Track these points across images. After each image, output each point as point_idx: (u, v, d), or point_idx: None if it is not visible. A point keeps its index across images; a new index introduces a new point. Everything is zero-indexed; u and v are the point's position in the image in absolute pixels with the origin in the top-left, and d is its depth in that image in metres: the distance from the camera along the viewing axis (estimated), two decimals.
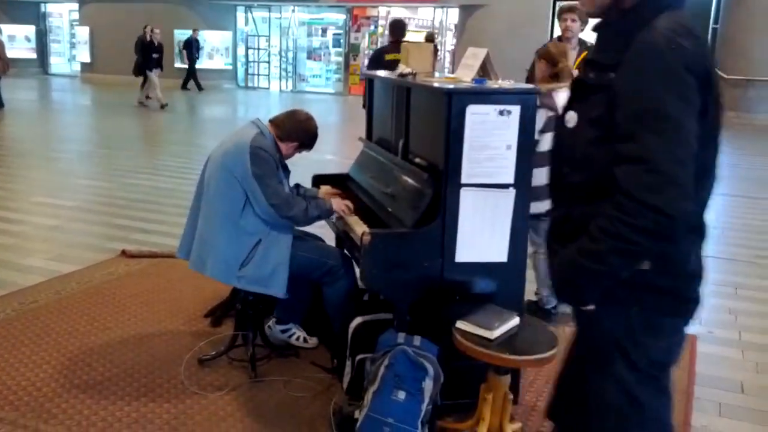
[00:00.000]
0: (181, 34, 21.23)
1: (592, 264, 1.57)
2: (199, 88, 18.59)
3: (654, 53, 1.49)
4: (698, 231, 1.66)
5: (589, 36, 5.46)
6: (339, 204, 3.30)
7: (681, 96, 1.47)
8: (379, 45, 17.03)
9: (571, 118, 1.68)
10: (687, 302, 1.67)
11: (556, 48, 3.89)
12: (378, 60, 6.85)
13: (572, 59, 5.01)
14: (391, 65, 5.72)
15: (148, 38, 15.09)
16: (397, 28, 6.98)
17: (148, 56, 14.89)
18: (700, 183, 1.54)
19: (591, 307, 1.67)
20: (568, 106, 1.74)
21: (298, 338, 3.51)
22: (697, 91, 1.49)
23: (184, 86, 18.82)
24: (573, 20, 4.90)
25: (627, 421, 1.74)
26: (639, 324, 1.65)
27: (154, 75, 14.81)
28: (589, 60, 1.69)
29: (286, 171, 3.32)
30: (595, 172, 1.60)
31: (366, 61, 13.60)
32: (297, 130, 3.28)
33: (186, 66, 18.97)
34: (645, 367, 1.70)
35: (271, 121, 3.29)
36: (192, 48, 18.59)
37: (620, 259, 1.54)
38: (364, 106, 8.02)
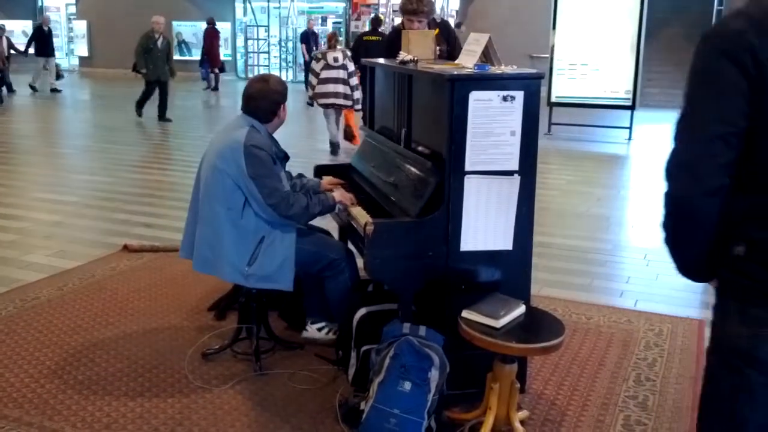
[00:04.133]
0: (180, 26, 21.16)
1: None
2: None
3: None
4: None
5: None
6: (343, 195, 3.27)
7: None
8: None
9: None
10: None
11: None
12: (359, 41, 9.69)
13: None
14: (368, 45, 8.96)
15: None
16: (377, 22, 10.84)
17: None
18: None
19: (714, 283, 1.63)
20: None
21: (329, 331, 3.47)
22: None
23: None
24: (420, 21, 4.28)
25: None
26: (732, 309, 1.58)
27: None
28: None
29: (285, 159, 3.27)
30: None
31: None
32: (274, 95, 3.19)
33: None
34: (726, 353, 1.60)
35: (248, 112, 3.17)
36: (310, 42, 14.98)
37: (663, 231, 1.60)
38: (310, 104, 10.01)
